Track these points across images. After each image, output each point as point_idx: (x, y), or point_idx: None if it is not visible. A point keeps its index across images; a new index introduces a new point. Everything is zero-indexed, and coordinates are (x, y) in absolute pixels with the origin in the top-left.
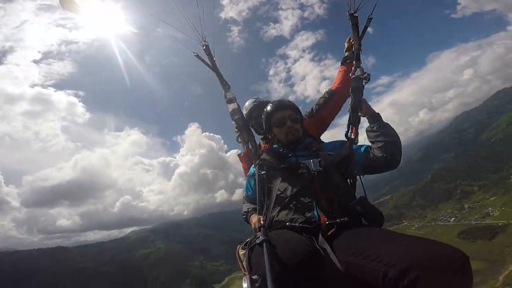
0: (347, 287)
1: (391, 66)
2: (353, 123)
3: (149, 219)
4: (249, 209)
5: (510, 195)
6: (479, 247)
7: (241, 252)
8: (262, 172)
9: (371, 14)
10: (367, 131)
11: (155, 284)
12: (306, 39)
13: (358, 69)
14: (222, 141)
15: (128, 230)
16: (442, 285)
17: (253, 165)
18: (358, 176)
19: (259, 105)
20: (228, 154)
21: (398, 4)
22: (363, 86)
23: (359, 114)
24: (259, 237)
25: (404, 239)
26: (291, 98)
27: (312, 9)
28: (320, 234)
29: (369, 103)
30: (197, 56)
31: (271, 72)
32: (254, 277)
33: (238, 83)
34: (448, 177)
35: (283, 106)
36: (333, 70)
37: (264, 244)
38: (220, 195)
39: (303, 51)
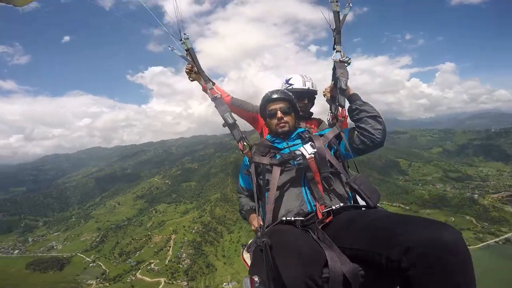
0: (353, 274)
1: (30, 78)
2: (341, 105)
3: None
4: (248, 208)
5: (71, 231)
6: (52, 277)
7: (246, 255)
8: (259, 170)
9: (349, 4)
10: (348, 110)
11: None
12: None
13: (339, 53)
14: None
15: None
16: (440, 262)
17: (248, 162)
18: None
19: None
20: None
21: None
22: (346, 68)
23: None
24: (259, 238)
25: (402, 219)
26: None
27: None
28: (317, 225)
29: None
30: (174, 51)
31: None
32: (254, 278)
33: None
34: (12, 209)
35: (276, 98)
36: None
37: (263, 246)
38: None
39: None
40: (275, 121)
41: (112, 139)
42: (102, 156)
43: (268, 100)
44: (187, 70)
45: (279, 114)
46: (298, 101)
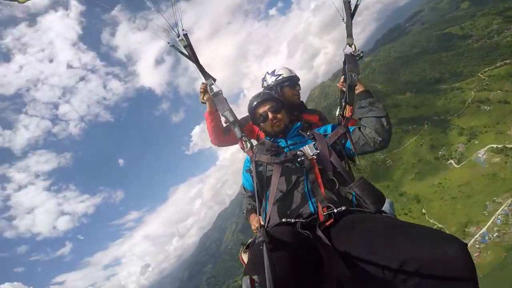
0: (348, 280)
1: (138, 202)
2: (349, 102)
3: None
4: (249, 208)
5: None
6: None
7: (244, 255)
8: (260, 169)
9: None
10: (356, 108)
11: None
12: (44, 162)
13: (351, 46)
14: None
15: None
16: (440, 277)
17: (249, 161)
18: (356, 157)
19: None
20: None
21: (143, 140)
22: (358, 63)
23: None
24: (259, 238)
25: (404, 230)
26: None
27: (66, 126)
28: (317, 227)
29: (121, 239)
30: (173, 47)
31: None
32: (254, 277)
33: None
34: (221, 279)
35: (261, 101)
36: (75, 204)
37: (264, 245)
38: None
39: (36, 176)
40: (269, 123)
41: (223, 200)
42: (228, 214)
43: (254, 106)
44: (202, 90)
45: (271, 115)
46: (292, 89)
